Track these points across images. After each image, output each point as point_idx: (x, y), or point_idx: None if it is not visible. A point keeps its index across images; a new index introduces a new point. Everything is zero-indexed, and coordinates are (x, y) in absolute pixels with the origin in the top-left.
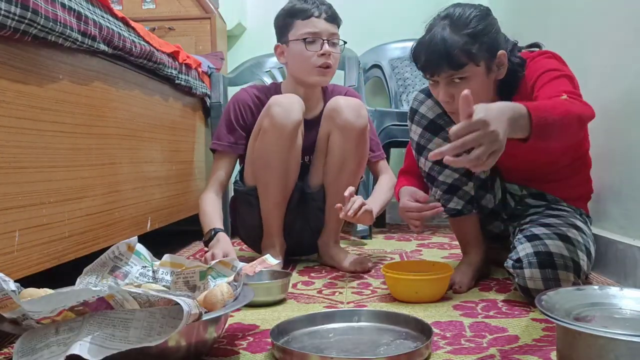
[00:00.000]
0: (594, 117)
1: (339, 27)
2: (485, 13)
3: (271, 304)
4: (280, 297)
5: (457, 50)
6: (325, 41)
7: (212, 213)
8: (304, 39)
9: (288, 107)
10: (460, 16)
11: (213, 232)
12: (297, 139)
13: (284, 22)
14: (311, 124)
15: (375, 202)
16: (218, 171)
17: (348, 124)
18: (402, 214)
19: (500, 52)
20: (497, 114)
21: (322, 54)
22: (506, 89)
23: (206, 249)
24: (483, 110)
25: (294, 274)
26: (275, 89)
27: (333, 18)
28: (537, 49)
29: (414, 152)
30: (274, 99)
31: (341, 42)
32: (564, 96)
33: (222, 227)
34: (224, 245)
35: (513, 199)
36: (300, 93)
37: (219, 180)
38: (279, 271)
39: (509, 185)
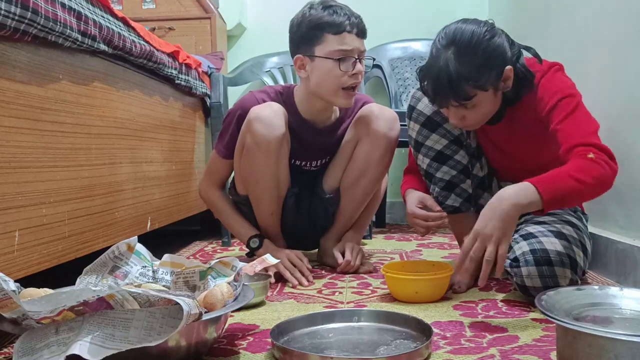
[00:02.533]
0: (616, 174)
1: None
2: (490, 33)
3: (250, 307)
4: (259, 299)
5: (465, 85)
6: (357, 60)
7: (238, 215)
8: (338, 58)
9: (270, 121)
10: (467, 44)
11: (259, 240)
12: (283, 148)
13: (310, 34)
14: (324, 132)
15: (361, 227)
16: (219, 171)
17: (380, 133)
18: (409, 219)
19: (507, 68)
20: (485, 219)
21: (353, 74)
22: (511, 96)
23: (246, 249)
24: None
25: None
26: (289, 96)
27: (363, 33)
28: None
29: (412, 149)
30: (254, 112)
31: (369, 61)
32: (591, 155)
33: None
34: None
35: None
36: (317, 106)
37: (221, 180)
38: (259, 273)
39: (504, 184)
